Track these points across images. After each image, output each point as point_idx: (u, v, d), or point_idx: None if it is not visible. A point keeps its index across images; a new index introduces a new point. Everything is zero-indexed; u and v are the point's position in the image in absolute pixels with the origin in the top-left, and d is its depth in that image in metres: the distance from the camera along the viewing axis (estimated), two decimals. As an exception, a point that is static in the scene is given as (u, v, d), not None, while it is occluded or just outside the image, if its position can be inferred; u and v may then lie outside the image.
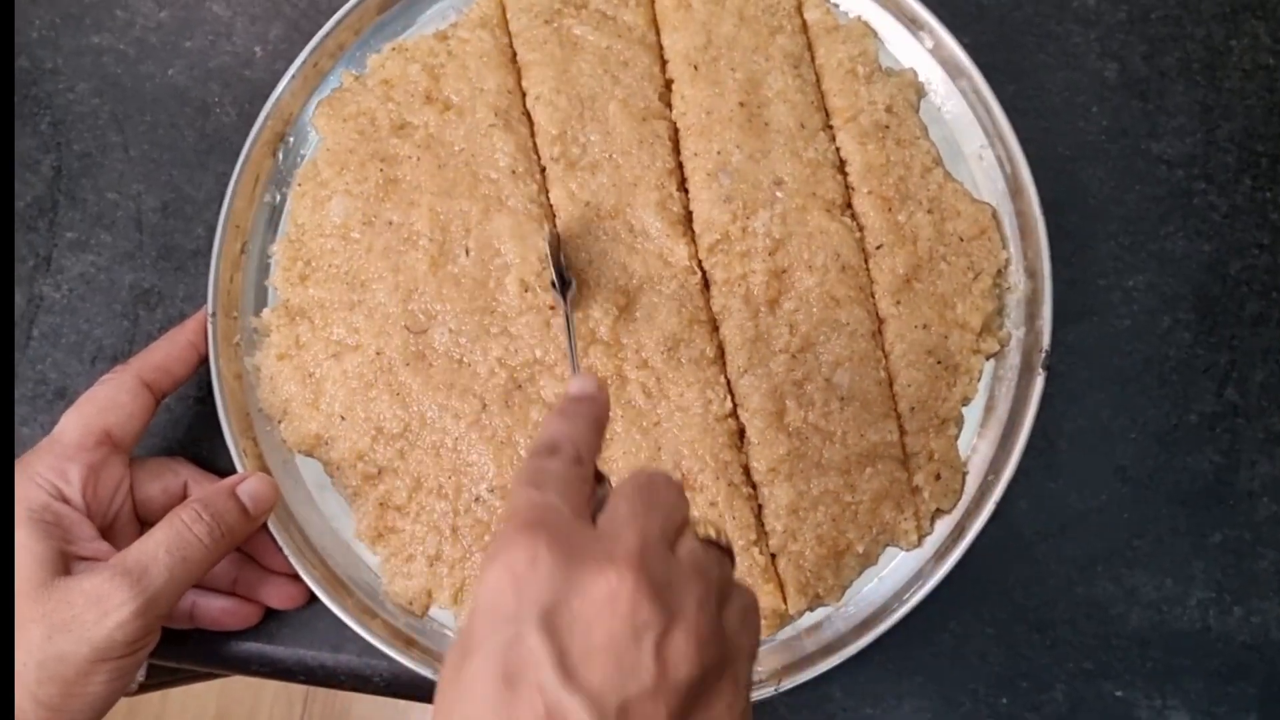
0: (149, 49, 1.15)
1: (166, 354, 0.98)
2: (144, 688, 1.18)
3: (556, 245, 0.97)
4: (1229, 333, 1.02)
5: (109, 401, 0.94)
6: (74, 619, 0.81)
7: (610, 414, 0.77)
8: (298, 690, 2.34)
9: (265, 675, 1.03)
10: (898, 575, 0.97)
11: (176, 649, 1.01)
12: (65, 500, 0.89)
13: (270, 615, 1.00)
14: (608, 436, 0.97)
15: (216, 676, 1.27)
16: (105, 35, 1.15)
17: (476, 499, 0.98)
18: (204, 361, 1.00)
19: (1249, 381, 1.01)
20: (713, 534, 0.66)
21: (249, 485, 0.93)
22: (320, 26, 1.07)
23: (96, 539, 0.89)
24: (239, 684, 2.34)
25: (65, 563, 0.85)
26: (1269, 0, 1.08)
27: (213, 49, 1.14)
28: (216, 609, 0.98)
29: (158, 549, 0.85)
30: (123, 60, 1.14)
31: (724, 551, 0.66)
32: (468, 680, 0.57)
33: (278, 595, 0.99)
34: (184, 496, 0.98)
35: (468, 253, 1.00)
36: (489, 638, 0.58)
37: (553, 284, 0.96)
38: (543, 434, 0.70)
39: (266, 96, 1.06)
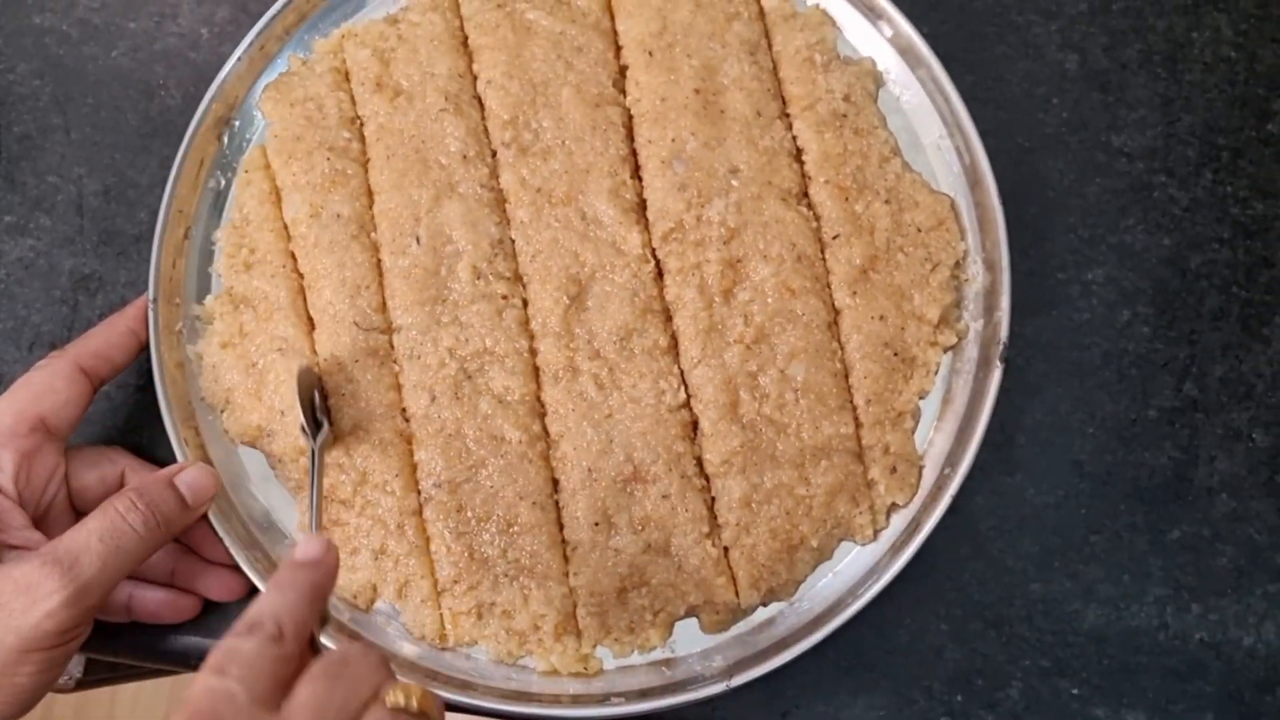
0: (92, 30, 1.13)
1: (105, 340, 0.96)
2: (81, 684, 1.16)
3: (313, 384, 0.96)
4: (1188, 327, 1.01)
5: (44, 387, 0.92)
6: (1, 607, 0.80)
7: (332, 579, 0.78)
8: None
9: None
10: (852, 570, 0.96)
11: (113, 643, 0.99)
12: None
13: (210, 608, 0.98)
14: (560, 431, 0.96)
15: (159, 674, 1.25)
16: (47, 15, 1.13)
17: (423, 495, 0.96)
18: (144, 348, 0.98)
19: (1208, 377, 1.00)
20: (401, 701, 0.68)
21: (188, 475, 0.91)
22: (268, 8, 1.05)
23: (28, 528, 0.87)
24: (188, 685, 2.32)
25: None
26: (1230, -8, 1.09)
27: (158, 30, 1.12)
28: (154, 601, 0.96)
29: (90, 538, 0.83)
30: (65, 41, 1.12)
31: (414, 717, 0.68)
32: None
33: (217, 587, 0.97)
34: (121, 486, 0.95)
35: (418, 241, 0.99)
36: None
37: (302, 428, 0.95)
38: (250, 607, 0.70)
39: (212, 79, 1.04)
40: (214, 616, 0.99)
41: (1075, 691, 0.95)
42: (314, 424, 0.94)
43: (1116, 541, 0.98)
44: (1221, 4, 1.08)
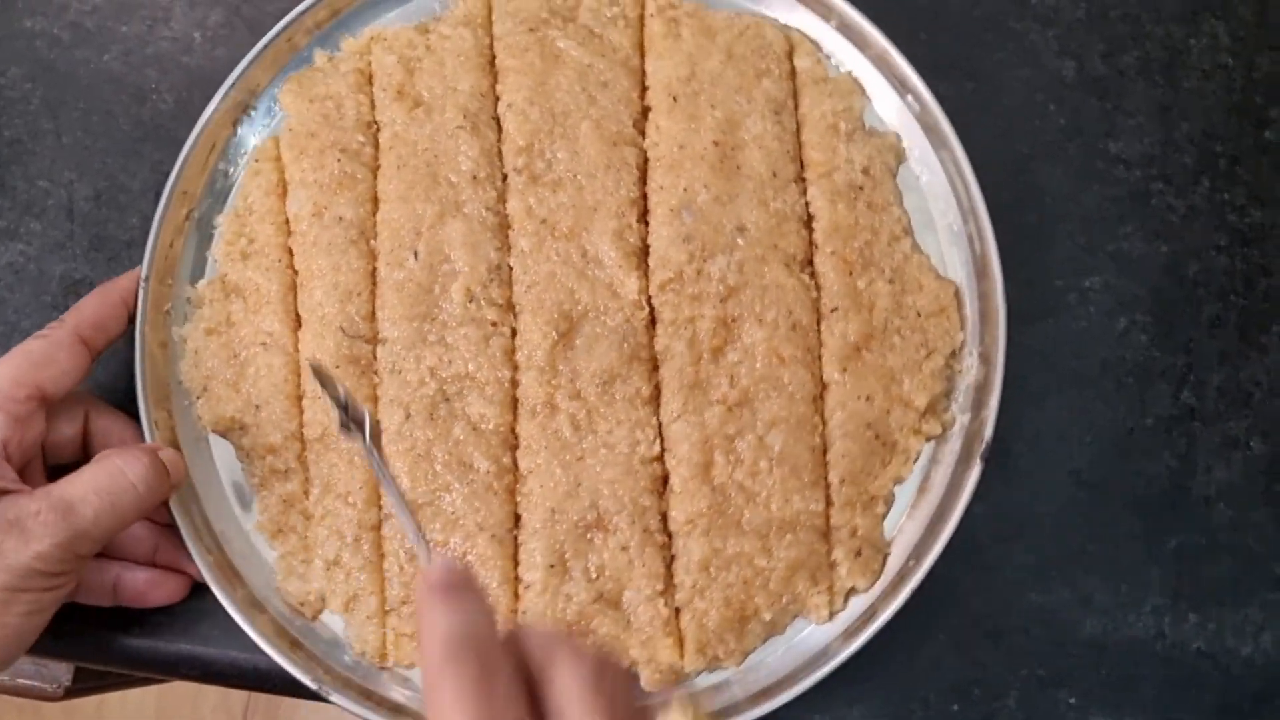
0: (84, 33, 1.12)
1: (100, 311, 0.97)
2: (70, 693, 1.17)
3: (326, 378, 0.87)
4: (1186, 335, 1.01)
5: (45, 357, 0.92)
6: None
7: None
8: (237, 699, 2.31)
9: (197, 679, 1.00)
10: (804, 647, 0.95)
11: (104, 652, 0.99)
12: None
13: (202, 616, 0.98)
14: (529, 467, 0.95)
15: (147, 682, 1.25)
16: (39, 19, 1.12)
17: (384, 511, 0.96)
18: (133, 321, 0.99)
19: (1206, 385, 1.00)
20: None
21: (167, 453, 0.92)
22: (262, 12, 1.07)
23: (18, 481, 0.88)
24: (178, 691, 2.31)
25: None
26: (1229, 1, 1.08)
27: (150, 34, 1.12)
28: (141, 581, 0.96)
29: (86, 489, 0.85)
30: (56, 45, 1.12)
31: None
32: None
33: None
34: (85, 426, 0.96)
35: (416, 256, 0.98)
36: None
37: (342, 425, 0.85)
38: (444, 631, 0.63)
39: (205, 83, 1.04)
40: (206, 624, 0.99)
41: (1073, 701, 0.95)
42: (354, 418, 0.85)
43: (1114, 551, 0.97)
44: (1219, 11, 1.07)
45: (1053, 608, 0.97)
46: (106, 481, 0.85)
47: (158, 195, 1.01)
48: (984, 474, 0.94)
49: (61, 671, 1.15)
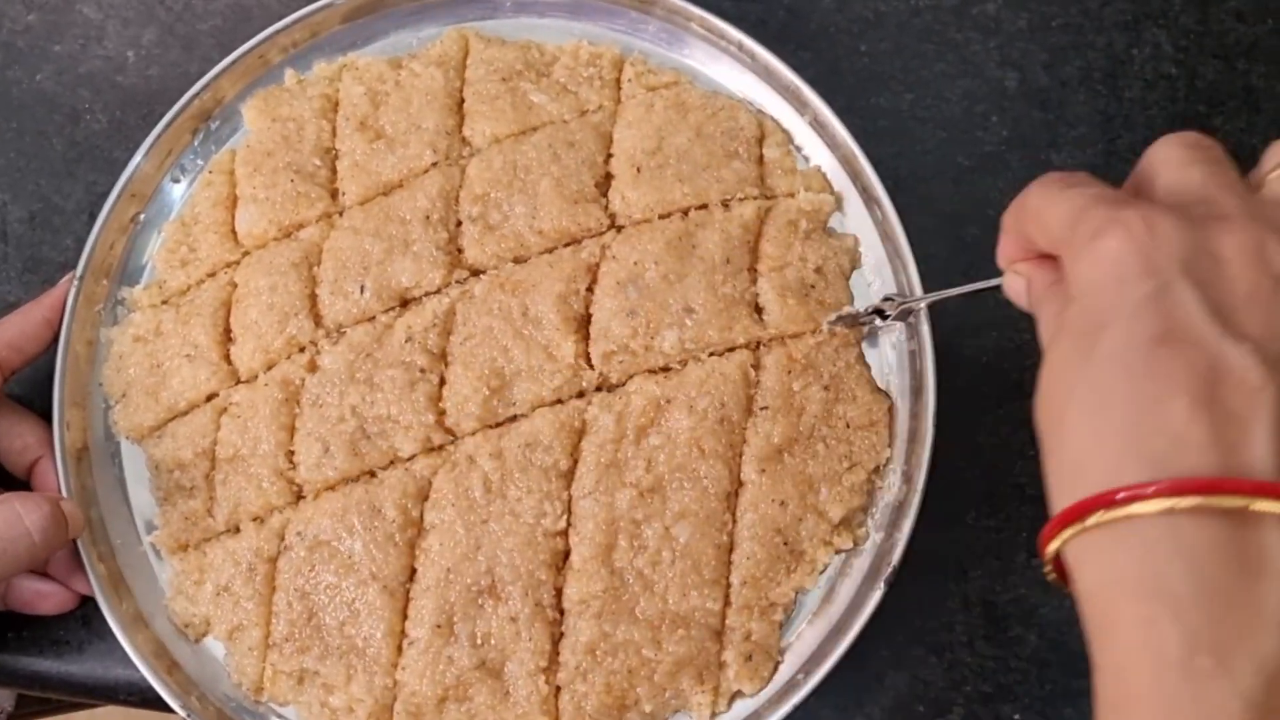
0: (16, 53, 1.12)
1: (20, 330, 0.96)
2: (13, 718, 1.17)
3: None
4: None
5: None
6: None
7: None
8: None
9: (71, 694, 1.01)
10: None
11: (46, 681, 1.00)
12: None
13: (83, 628, 0.99)
14: (434, 522, 0.95)
15: (92, 706, 1.26)
16: (-31, 39, 1.12)
17: (285, 543, 0.95)
18: (58, 339, 0.98)
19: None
20: None
21: (68, 504, 0.90)
22: (195, 30, 1.06)
23: None
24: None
25: None
26: (1171, 9, 1.08)
27: (83, 53, 1.11)
28: (30, 591, 0.95)
29: None
30: (-12, 65, 1.11)
31: None
32: (1106, 354, 0.56)
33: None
34: None
35: (363, 290, 0.98)
36: (1123, 303, 0.56)
37: None
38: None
39: (140, 102, 1.05)
40: (85, 635, 0.99)
41: (1017, 717, 0.95)
42: None
43: (1057, 565, 0.97)
44: (1161, 20, 1.07)
45: (997, 622, 0.96)
46: (3, 528, 0.84)
47: (92, 216, 1.01)
48: (926, 486, 0.93)
49: (3, 698, 1.15)
